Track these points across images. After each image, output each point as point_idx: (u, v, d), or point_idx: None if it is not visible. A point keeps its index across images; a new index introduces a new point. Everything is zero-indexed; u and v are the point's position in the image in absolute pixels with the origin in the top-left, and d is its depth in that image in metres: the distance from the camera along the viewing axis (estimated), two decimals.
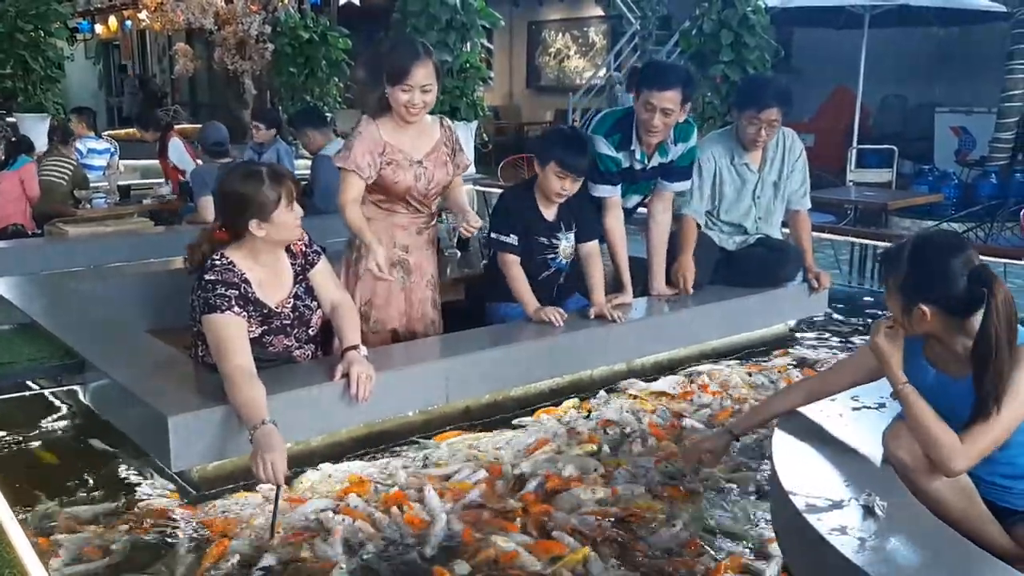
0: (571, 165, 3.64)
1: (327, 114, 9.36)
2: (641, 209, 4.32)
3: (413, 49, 3.33)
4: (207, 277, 2.89)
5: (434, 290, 3.77)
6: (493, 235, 3.75)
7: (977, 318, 2.13)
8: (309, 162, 6.45)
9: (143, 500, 2.85)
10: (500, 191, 8.53)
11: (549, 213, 3.83)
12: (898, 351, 2.28)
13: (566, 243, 3.87)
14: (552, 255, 3.86)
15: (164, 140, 7.30)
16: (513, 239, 3.72)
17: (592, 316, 3.81)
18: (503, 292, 3.85)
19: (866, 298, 5.79)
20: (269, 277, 3.02)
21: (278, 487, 2.56)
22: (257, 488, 2.84)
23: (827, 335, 4.82)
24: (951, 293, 2.15)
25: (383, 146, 3.41)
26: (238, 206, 2.90)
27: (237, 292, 2.88)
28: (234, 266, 2.93)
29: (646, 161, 3.98)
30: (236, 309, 2.85)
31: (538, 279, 3.84)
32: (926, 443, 2.16)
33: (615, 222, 4.02)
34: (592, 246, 3.92)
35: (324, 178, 5.79)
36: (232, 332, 2.82)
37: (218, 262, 2.93)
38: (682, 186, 4.13)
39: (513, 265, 3.72)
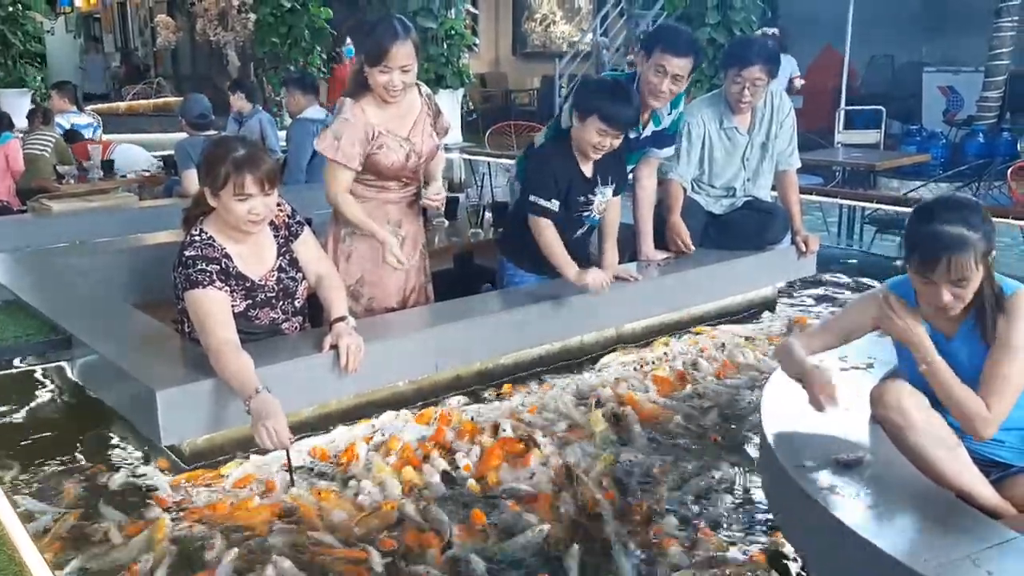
0: (616, 120, 3.40)
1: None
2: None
3: (391, 28, 3.20)
4: (187, 253, 2.85)
5: (424, 257, 3.75)
6: (532, 198, 3.52)
7: None
8: None
9: (133, 476, 2.85)
10: (491, 155, 8.54)
11: (587, 169, 3.62)
12: (922, 327, 2.29)
13: (601, 198, 3.70)
14: (587, 212, 3.68)
15: None
16: (555, 204, 3.52)
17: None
18: (521, 256, 3.77)
19: (852, 260, 5.79)
20: (250, 250, 2.99)
21: (286, 450, 2.61)
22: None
23: (815, 298, 4.83)
24: None
25: (371, 131, 3.32)
26: (202, 166, 2.90)
27: (218, 267, 2.85)
28: (214, 241, 2.90)
29: (641, 130, 3.91)
30: (218, 284, 2.83)
31: (573, 238, 3.67)
32: (959, 415, 2.21)
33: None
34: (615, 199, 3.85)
35: (296, 140, 6.12)
36: (215, 307, 2.79)
37: (198, 237, 2.90)
38: (669, 152, 4.09)
39: (548, 229, 3.53)
